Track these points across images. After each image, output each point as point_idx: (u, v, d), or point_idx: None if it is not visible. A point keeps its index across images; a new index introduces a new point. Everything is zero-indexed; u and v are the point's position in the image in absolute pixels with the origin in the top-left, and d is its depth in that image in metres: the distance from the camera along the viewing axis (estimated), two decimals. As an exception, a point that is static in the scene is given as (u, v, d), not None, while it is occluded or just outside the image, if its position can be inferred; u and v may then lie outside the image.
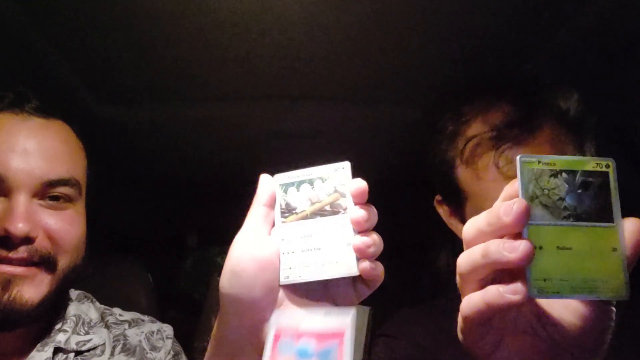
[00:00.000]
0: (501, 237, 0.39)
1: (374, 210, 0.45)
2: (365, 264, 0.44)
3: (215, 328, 0.49)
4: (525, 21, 0.71)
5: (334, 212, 0.46)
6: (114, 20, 0.70)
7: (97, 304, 0.79)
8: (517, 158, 0.40)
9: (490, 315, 0.40)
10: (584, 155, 0.73)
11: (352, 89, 0.93)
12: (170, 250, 2.17)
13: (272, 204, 0.48)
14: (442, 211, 0.85)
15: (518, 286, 0.37)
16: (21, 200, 0.62)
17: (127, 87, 0.92)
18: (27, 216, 0.61)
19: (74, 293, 0.78)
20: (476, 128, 0.75)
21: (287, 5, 0.67)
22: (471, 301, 0.40)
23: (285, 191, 0.48)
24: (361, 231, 0.45)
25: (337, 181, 0.46)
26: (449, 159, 0.79)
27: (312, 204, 0.47)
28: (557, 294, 0.38)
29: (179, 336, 0.81)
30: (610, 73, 0.81)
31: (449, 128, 0.79)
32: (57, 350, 0.67)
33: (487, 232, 0.39)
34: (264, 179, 0.49)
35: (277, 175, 0.49)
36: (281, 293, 0.46)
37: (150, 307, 1.17)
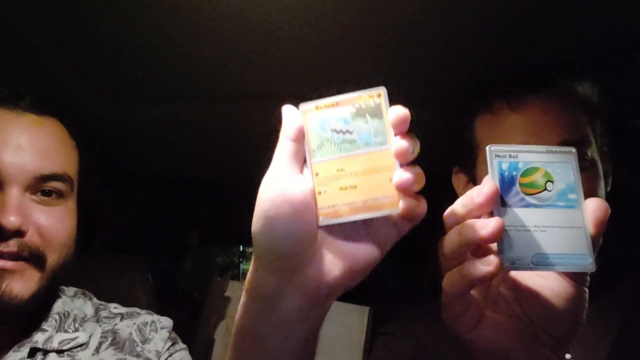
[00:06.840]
0: (477, 218, 0.42)
1: (416, 140, 0.41)
2: (410, 202, 0.40)
3: (248, 279, 0.44)
4: (525, 20, 0.71)
5: (369, 144, 0.42)
6: (113, 18, 0.70)
7: (95, 300, 0.79)
8: (487, 148, 0.43)
9: (467, 288, 0.42)
10: (595, 135, 0.75)
11: (353, 88, 0.93)
12: (170, 250, 2.17)
13: (300, 139, 0.43)
14: (460, 183, 0.84)
15: (491, 258, 0.40)
16: (14, 193, 0.62)
17: (127, 85, 0.92)
18: (19, 210, 0.62)
19: (70, 290, 0.77)
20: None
21: (289, 4, 0.67)
22: (450, 276, 0.43)
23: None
24: (404, 164, 0.41)
25: (372, 112, 0.45)
26: (469, 112, 0.81)
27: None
28: (526, 267, 0.42)
29: (179, 336, 0.80)
30: (609, 72, 0.81)
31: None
32: (35, 350, 0.66)
33: (463, 214, 0.42)
34: (289, 110, 0.44)
35: (302, 105, 0.45)
36: (319, 235, 0.42)
37: (150, 307, 1.16)
